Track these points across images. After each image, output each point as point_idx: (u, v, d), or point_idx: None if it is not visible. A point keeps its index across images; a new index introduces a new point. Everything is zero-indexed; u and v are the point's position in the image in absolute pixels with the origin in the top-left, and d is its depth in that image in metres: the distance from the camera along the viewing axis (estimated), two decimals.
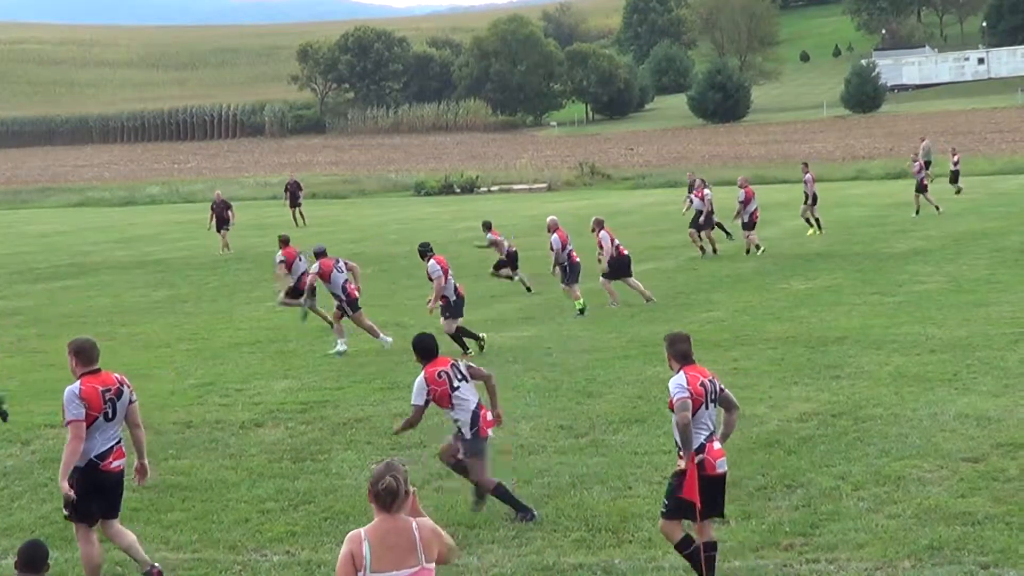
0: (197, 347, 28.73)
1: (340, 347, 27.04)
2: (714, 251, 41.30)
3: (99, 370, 12.84)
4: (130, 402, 12.95)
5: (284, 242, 30.96)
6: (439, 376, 15.06)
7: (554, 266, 31.61)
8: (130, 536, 13.25)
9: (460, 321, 26.42)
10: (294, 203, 62.81)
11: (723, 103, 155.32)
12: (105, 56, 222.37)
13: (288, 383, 23.94)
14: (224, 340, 29.61)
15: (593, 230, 31.98)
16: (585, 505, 15.31)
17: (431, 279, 26.48)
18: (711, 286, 34.48)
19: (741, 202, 40.58)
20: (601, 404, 20.68)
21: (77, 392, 12.58)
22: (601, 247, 31.61)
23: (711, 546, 12.56)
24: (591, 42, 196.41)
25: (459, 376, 15.15)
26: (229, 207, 51.92)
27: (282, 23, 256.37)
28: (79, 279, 44.00)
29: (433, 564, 8.74)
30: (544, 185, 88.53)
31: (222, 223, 51.12)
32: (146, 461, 13.31)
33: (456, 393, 15.04)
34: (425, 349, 15.32)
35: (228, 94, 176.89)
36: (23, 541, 11.03)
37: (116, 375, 13.03)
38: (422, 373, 15.14)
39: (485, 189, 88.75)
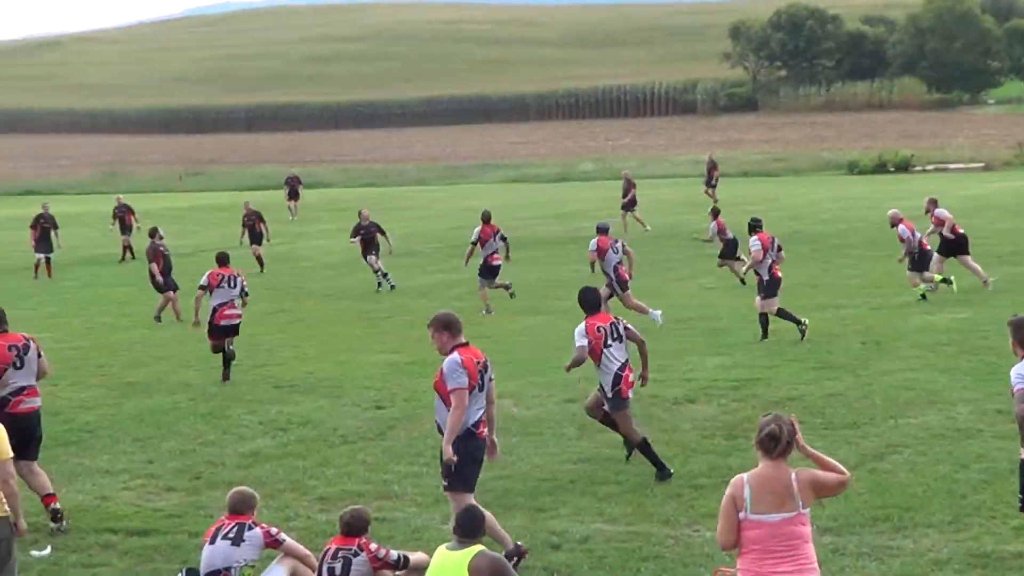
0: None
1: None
2: None
3: (467, 342, 13.52)
4: (489, 379, 13.48)
5: (486, 219, 33.44)
6: (598, 330, 16.45)
7: (905, 255, 30.96)
8: None
9: (776, 302, 26.06)
10: (292, 196, 65.74)
11: None
12: (542, 35, 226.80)
13: (720, 360, 23.96)
14: None
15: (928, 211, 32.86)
16: None
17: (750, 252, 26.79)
18: None
19: None
20: None
21: (459, 362, 13.17)
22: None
23: None
24: None
25: (615, 335, 16.55)
26: (262, 219, 45.82)
27: (713, 2, 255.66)
28: (514, 253, 44.98)
29: (809, 510, 9.28)
30: (981, 164, 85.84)
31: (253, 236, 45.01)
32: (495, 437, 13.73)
33: (607, 351, 16.42)
34: (588, 302, 16.85)
35: (660, 72, 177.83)
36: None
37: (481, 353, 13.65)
38: (584, 321, 16.50)
39: (920, 168, 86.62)
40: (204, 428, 20.04)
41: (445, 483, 13.33)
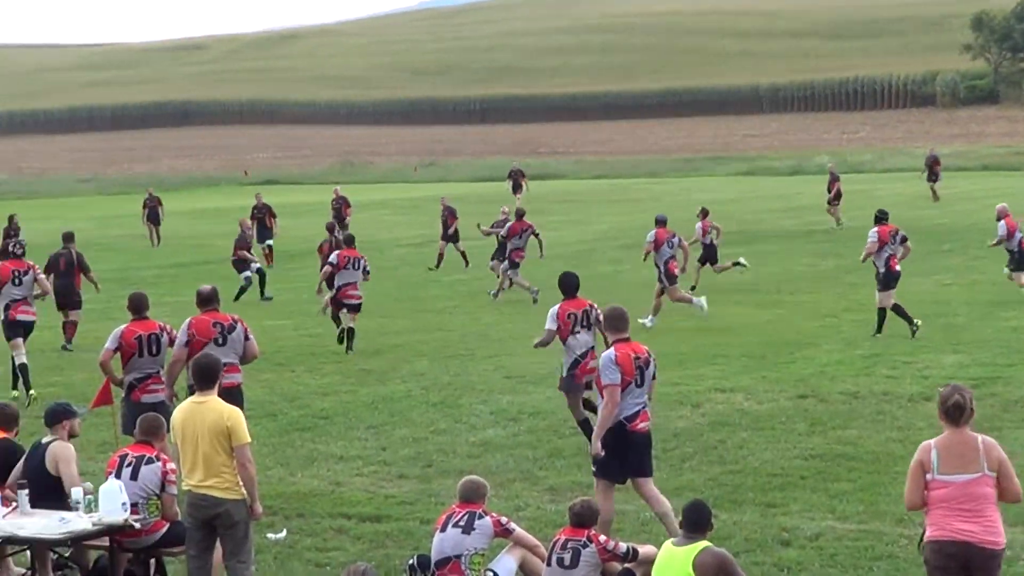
0: (864, 318, 28.58)
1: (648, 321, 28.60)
2: None
3: (628, 338, 13.85)
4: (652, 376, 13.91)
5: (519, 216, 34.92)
6: (568, 316, 17.41)
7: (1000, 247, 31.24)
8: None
9: (891, 295, 25.91)
10: (516, 189, 64.41)
11: None
12: (779, 27, 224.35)
13: (958, 357, 23.47)
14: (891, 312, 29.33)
15: None
16: None
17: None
18: None
19: None
20: None
21: (613, 358, 13.44)
22: None
23: None
24: None
25: (585, 323, 17.41)
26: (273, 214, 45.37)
27: None
28: (748, 247, 44.63)
29: (995, 472, 9.92)
30: None
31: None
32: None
33: (573, 336, 17.38)
34: (565, 286, 17.90)
35: (899, 64, 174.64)
36: (688, 500, 11.35)
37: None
38: (558, 305, 17.55)
39: None
40: (436, 417, 20.29)
41: (594, 470, 13.86)
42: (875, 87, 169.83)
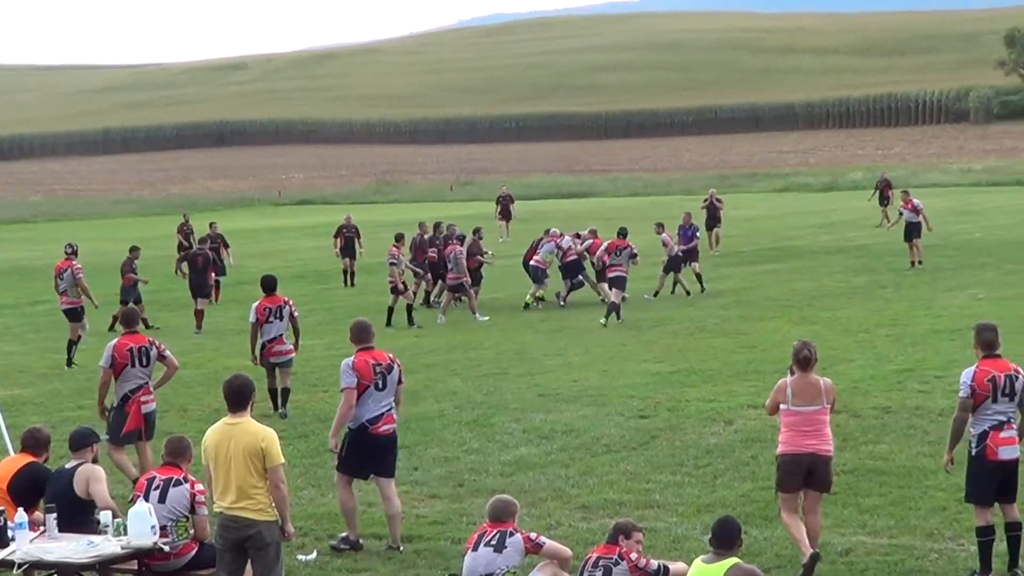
0: (896, 333, 28.61)
1: None
2: None
3: (372, 346, 14.95)
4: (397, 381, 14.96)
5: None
6: (264, 309, 21.50)
7: None
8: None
9: None
10: (505, 216, 62.11)
11: None
12: (812, 43, 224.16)
13: None
14: (924, 327, 29.36)
15: None
16: None
17: None
18: None
19: None
20: None
21: (350, 364, 14.70)
22: None
23: None
24: None
25: (278, 316, 21.76)
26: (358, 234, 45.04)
27: (986, 8, 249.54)
28: (782, 263, 44.72)
29: (830, 404, 13.64)
30: None
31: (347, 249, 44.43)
32: None
33: (267, 324, 21.46)
34: (263, 284, 21.48)
35: (933, 80, 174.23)
36: (718, 517, 11.40)
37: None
38: (257, 301, 20.43)
39: None
40: (468, 436, 20.33)
41: (336, 463, 15.13)
42: (909, 103, 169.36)
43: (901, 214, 42.65)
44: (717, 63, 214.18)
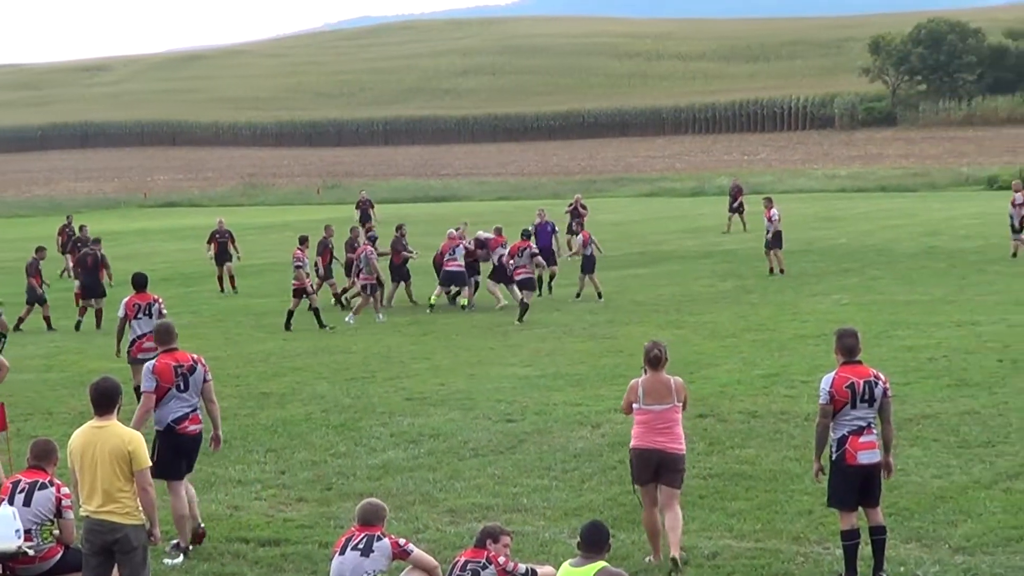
0: (763, 338, 28.88)
1: None
2: None
3: (176, 348, 15.19)
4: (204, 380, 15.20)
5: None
6: (133, 306, 22.35)
7: None
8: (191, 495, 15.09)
9: None
10: (364, 220, 58.46)
11: None
12: (678, 49, 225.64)
13: None
14: (790, 332, 29.64)
15: None
16: None
17: None
18: None
19: None
20: None
21: (151, 368, 15.01)
22: None
23: None
24: None
25: (147, 313, 22.13)
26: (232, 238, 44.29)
27: (851, 15, 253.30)
28: (649, 267, 44.99)
29: (681, 403, 13.96)
30: None
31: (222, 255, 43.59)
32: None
33: (135, 321, 22.27)
34: (133, 282, 22.47)
35: (798, 86, 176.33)
36: (587, 521, 11.40)
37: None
38: (127, 297, 22.40)
39: None
40: (336, 439, 20.21)
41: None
42: (775, 109, 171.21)
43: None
44: (583, 68, 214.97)
